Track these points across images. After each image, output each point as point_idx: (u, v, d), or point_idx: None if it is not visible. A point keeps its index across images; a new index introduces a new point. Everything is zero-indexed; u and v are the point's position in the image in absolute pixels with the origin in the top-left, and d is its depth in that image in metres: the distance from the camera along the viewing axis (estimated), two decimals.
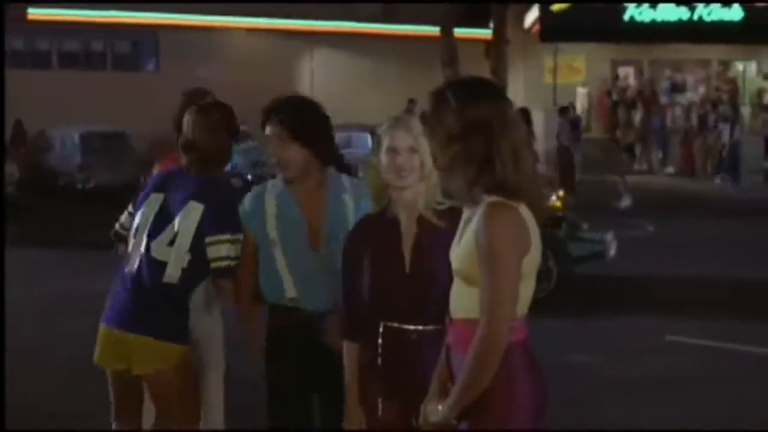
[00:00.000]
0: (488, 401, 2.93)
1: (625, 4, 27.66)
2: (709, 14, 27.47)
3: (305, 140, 4.02)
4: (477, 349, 2.87)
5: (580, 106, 28.32)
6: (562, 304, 9.59)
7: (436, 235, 3.46)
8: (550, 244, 9.59)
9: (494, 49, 28.61)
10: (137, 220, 4.23)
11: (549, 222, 10.26)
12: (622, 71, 30.16)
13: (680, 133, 26.53)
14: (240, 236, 4.10)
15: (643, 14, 27.63)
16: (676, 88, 28.72)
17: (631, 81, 29.61)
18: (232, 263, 4.10)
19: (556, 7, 27.60)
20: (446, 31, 27.22)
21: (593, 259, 10.66)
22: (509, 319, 2.89)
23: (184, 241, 4.09)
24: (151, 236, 4.13)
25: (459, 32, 27.85)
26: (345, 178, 4.18)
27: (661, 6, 27.45)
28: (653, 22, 27.60)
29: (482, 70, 28.52)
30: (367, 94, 27.38)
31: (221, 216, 4.10)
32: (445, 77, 27.24)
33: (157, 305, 4.12)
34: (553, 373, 6.94)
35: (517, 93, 28.86)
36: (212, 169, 4.25)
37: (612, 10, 27.48)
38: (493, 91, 3.06)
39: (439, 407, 3.03)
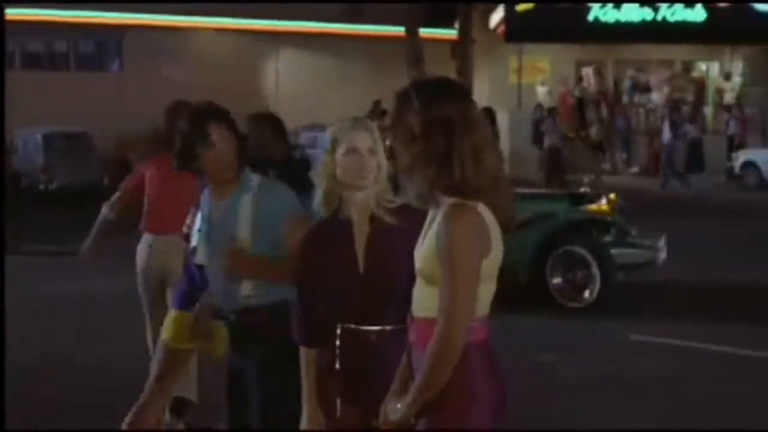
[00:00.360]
0: (446, 400, 2.93)
1: (590, 5, 27.75)
2: (672, 15, 27.64)
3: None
4: (434, 349, 2.88)
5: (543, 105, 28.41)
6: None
7: (390, 233, 3.47)
8: (593, 250, 9.87)
9: (460, 50, 28.69)
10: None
11: (596, 227, 10.30)
12: (586, 71, 30.30)
13: (644, 133, 26.72)
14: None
15: (608, 15, 27.75)
16: (639, 87, 28.87)
17: (592, 80, 29.73)
18: None
19: (520, 7, 27.68)
20: (411, 32, 27.23)
21: (642, 266, 10.25)
22: (467, 319, 2.89)
23: None
24: None
25: (424, 32, 27.86)
26: (255, 179, 4.08)
27: (625, 6, 27.58)
28: (617, 23, 27.72)
29: (448, 70, 28.58)
30: (333, 94, 27.33)
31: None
32: (411, 77, 27.26)
33: None
34: (520, 372, 7.03)
35: (482, 93, 28.92)
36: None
37: (576, 11, 27.59)
38: (456, 91, 3.05)
39: (398, 406, 3.03)
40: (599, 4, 27.66)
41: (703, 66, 31.69)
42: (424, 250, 3.01)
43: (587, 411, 6.81)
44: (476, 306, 2.95)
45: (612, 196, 10.94)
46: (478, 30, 29.60)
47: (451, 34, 29.00)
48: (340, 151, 3.53)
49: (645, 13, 27.64)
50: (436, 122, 2.93)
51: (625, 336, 8.90)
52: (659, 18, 27.65)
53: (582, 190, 11.16)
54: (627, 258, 10.08)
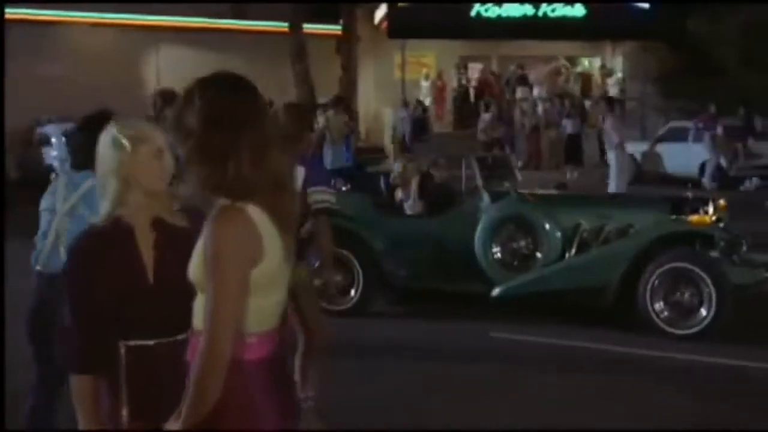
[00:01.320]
0: (223, 420, 2.72)
1: (472, 2, 27.95)
2: (553, 11, 27.99)
3: None
4: (197, 362, 2.67)
5: (427, 100, 28.53)
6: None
7: (176, 237, 3.20)
8: (706, 267, 8.32)
9: (344, 46, 28.66)
10: None
11: (699, 241, 8.73)
12: (471, 67, 30.53)
13: (527, 127, 26.96)
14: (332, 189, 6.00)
15: (489, 11, 27.97)
16: (523, 83, 29.16)
17: (476, 75, 30.00)
18: (330, 205, 5.93)
19: (402, 3, 27.72)
20: (295, 27, 27.10)
21: (759, 286, 8.72)
22: (230, 331, 2.66)
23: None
24: None
25: (308, 28, 27.78)
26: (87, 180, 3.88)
27: (506, 3, 27.83)
28: (499, 18, 27.97)
29: (333, 65, 28.53)
30: None
31: (316, 175, 5.92)
32: (295, 73, 27.17)
33: None
34: (376, 374, 6.90)
35: (367, 88, 28.94)
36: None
37: (459, 7, 27.73)
38: (239, 86, 2.84)
39: (176, 425, 2.79)
40: (479, 2, 27.85)
41: (585, 62, 32.22)
42: (195, 258, 2.80)
43: (446, 410, 6.72)
44: (250, 318, 2.74)
45: (721, 202, 9.28)
46: (364, 26, 29.58)
47: (335, 30, 28.92)
48: (144, 150, 3.23)
49: (526, 9, 27.94)
50: (213, 119, 2.73)
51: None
52: (540, 14, 27.98)
53: (686, 195, 9.43)
54: (742, 277, 8.53)
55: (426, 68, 29.85)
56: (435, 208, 10.08)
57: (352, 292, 9.63)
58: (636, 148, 24.49)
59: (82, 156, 4.35)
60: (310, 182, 5.87)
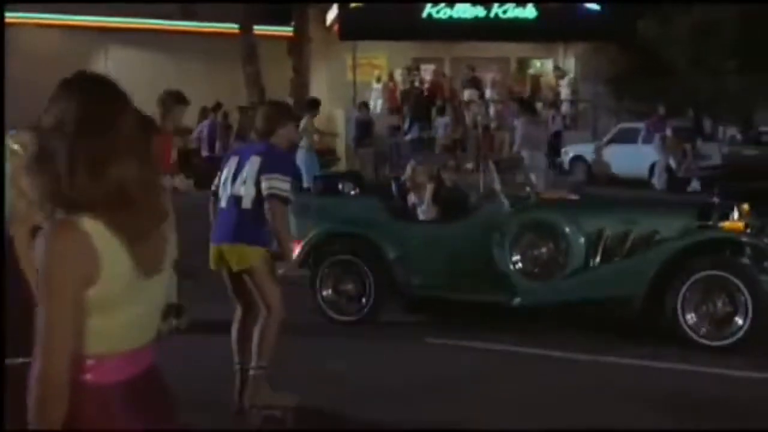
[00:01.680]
0: None
1: (423, 3, 27.86)
2: (504, 12, 27.95)
3: None
4: (30, 388, 2.49)
5: (375, 103, 28.39)
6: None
7: None
8: (740, 275, 7.97)
9: (296, 47, 28.47)
10: (223, 176, 6.38)
11: (730, 248, 8.40)
12: (423, 68, 30.44)
13: (479, 128, 26.95)
14: (288, 178, 6.24)
15: (441, 12, 27.88)
16: (474, 85, 29.12)
17: (428, 77, 29.91)
18: (281, 192, 6.14)
19: (354, 5, 27.57)
20: (245, 29, 26.89)
21: None
22: (63, 355, 2.48)
23: (250, 181, 6.18)
24: (233, 182, 6.31)
25: (260, 29, 27.56)
26: None
27: (458, 4, 27.77)
28: (450, 19, 27.89)
29: (285, 67, 28.34)
30: None
31: (272, 164, 6.22)
32: (246, 75, 26.96)
33: (242, 225, 6.22)
34: (310, 381, 6.77)
35: (320, 90, 28.73)
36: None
37: (410, 8, 27.60)
38: (88, 88, 2.63)
39: None
40: (431, 3, 27.77)
41: (538, 63, 32.26)
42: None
43: (381, 416, 6.61)
44: (93, 339, 2.56)
45: (745, 206, 8.77)
46: (316, 28, 29.39)
47: (287, 31, 28.71)
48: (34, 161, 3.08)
49: (477, 11, 27.88)
50: (53, 123, 2.55)
51: (422, 338, 8.37)
52: (492, 15, 27.92)
53: (713, 200, 8.92)
54: None
55: (378, 70, 29.72)
56: (450, 214, 9.73)
57: (363, 300, 9.22)
58: (586, 150, 24.65)
59: None
60: (264, 170, 6.19)
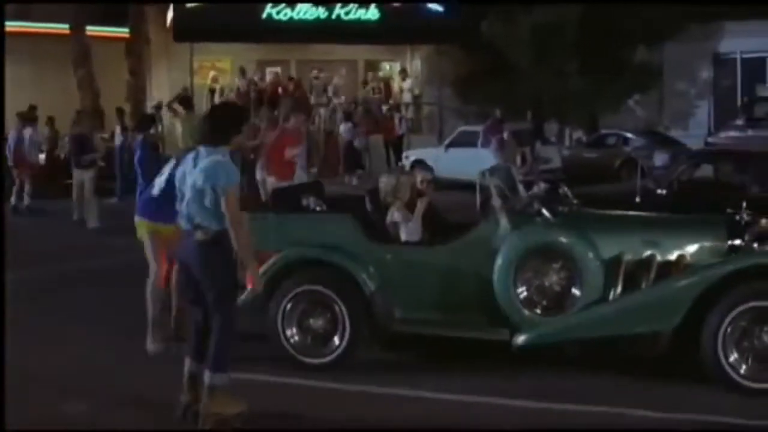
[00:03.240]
0: None
1: (263, 3, 27.20)
2: (347, 14, 27.51)
3: None
4: None
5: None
6: None
7: None
8: None
9: (133, 49, 27.49)
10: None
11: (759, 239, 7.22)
12: (269, 71, 29.85)
13: (322, 132, 26.54)
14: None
15: (281, 13, 27.24)
16: (319, 88, 28.66)
17: (267, 79, 29.35)
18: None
19: (190, 5, 26.74)
20: (77, 29, 25.91)
21: None
22: None
23: None
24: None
25: (94, 30, 26.62)
26: None
27: (299, 5, 27.20)
28: (291, 21, 27.29)
29: (122, 69, 27.32)
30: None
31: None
32: (78, 78, 25.90)
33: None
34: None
35: (162, 93, 27.87)
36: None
37: (249, 9, 26.85)
38: None
39: None
40: (271, 3, 27.13)
41: (387, 66, 31.98)
42: None
43: None
44: None
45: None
46: (157, 29, 28.47)
47: (123, 32, 27.70)
48: None
49: (319, 12, 27.36)
50: None
51: None
52: (334, 17, 27.45)
53: (741, 215, 7.51)
54: None
55: (214, 72, 28.99)
56: (439, 234, 8.13)
57: (336, 340, 7.57)
58: (429, 154, 24.34)
59: None
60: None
